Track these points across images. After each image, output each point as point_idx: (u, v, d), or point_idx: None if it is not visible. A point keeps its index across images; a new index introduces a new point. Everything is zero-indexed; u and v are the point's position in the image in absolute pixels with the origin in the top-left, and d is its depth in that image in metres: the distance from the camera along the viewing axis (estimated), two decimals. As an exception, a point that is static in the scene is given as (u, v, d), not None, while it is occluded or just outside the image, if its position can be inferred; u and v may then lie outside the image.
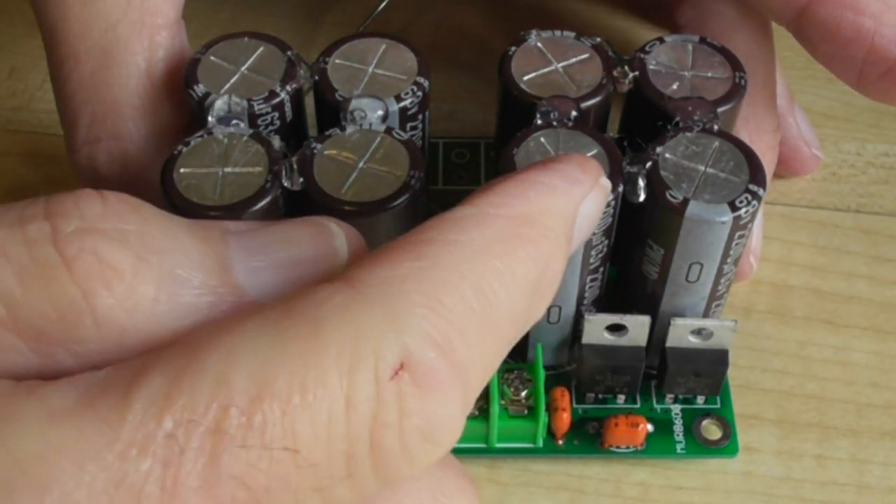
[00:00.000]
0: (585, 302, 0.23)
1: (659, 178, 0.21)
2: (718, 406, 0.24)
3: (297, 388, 0.13)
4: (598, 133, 0.22)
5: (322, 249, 0.16)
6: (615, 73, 0.23)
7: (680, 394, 0.24)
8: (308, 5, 0.34)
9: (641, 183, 0.21)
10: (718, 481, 0.24)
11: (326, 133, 0.22)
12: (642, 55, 0.23)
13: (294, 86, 0.23)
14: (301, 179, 0.21)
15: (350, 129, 0.22)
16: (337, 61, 0.23)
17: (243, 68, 0.23)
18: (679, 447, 0.24)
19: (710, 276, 0.22)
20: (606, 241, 0.22)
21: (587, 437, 0.24)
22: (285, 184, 0.21)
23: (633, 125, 0.24)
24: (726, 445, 0.24)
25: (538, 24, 0.24)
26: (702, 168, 0.21)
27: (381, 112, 0.22)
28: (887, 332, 0.26)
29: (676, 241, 0.21)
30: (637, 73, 0.23)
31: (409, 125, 0.23)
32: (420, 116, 0.23)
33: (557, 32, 0.24)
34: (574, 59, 0.23)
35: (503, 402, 0.23)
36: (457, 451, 0.23)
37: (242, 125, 0.22)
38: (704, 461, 0.24)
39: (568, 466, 0.24)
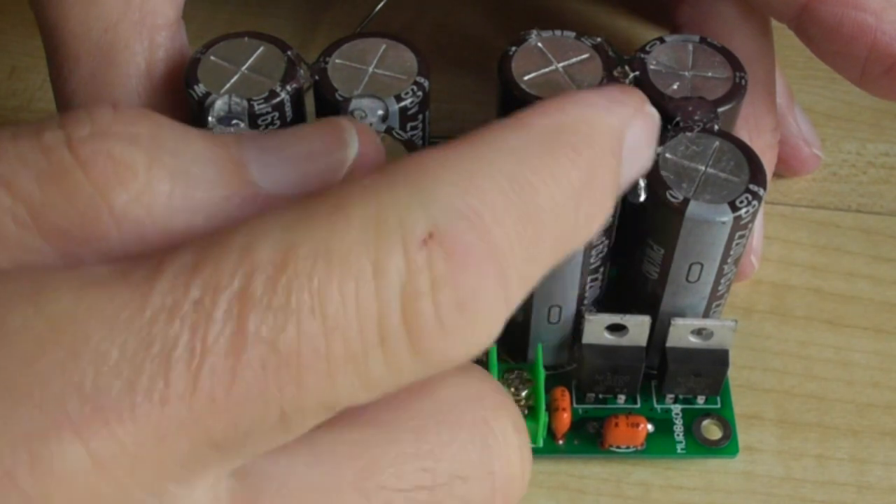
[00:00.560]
0: (586, 302, 0.23)
1: (659, 177, 0.21)
2: (719, 406, 0.24)
3: (322, 254, 0.13)
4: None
5: (334, 142, 0.16)
6: (615, 73, 0.23)
7: (680, 394, 0.24)
8: (307, 5, 0.34)
9: (642, 183, 0.21)
10: (719, 481, 0.24)
11: (327, 133, 0.22)
12: (643, 55, 0.23)
13: (294, 85, 0.23)
14: (301, 179, 0.21)
15: (350, 128, 0.22)
16: (337, 61, 0.23)
17: (243, 68, 0.23)
18: (679, 447, 0.24)
19: (710, 276, 0.22)
20: (607, 241, 0.22)
21: (587, 437, 0.24)
22: (285, 184, 0.21)
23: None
24: (726, 445, 0.24)
25: (538, 24, 0.24)
26: (702, 168, 0.21)
27: (381, 112, 0.22)
28: (888, 332, 0.26)
29: (677, 241, 0.21)
30: (637, 72, 0.23)
31: (409, 125, 0.23)
32: (420, 116, 0.23)
33: (558, 32, 0.24)
34: (574, 59, 0.23)
35: (503, 402, 0.23)
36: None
37: (243, 125, 0.22)
38: (705, 461, 0.24)
39: (568, 466, 0.24)
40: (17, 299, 0.13)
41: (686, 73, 0.23)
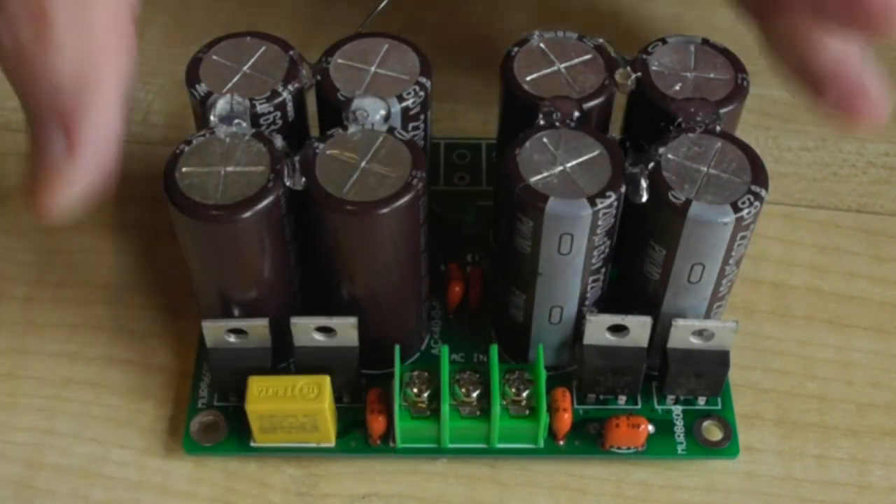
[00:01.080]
0: (587, 302, 0.23)
1: (661, 178, 0.21)
2: (719, 407, 0.24)
3: None
4: (601, 134, 0.22)
5: None
6: (617, 74, 0.23)
7: (681, 395, 0.24)
8: (309, 4, 0.34)
9: (644, 184, 0.21)
10: (719, 481, 0.24)
11: (328, 133, 0.22)
12: (645, 56, 0.23)
13: (296, 85, 0.23)
14: (303, 179, 0.21)
15: (352, 128, 0.22)
16: (339, 61, 0.23)
17: (245, 67, 0.23)
18: (680, 448, 0.24)
19: (711, 276, 0.22)
20: (609, 242, 0.22)
21: (588, 438, 0.24)
22: (287, 183, 0.21)
23: (636, 126, 0.24)
24: (727, 447, 0.24)
25: (540, 25, 0.24)
26: (704, 169, 0.21)
27: (383, 112, 0.22)
28: (888, 332, 0.26)
29: (678, 241, 0.21)
30: (639, 73, 0.23)
31: (410, 125, 0.23)
32: (422, 116, 0.23)
33: (560, 33, 0.24)
34: (576, 60, 0.23)
35: (504, 403, 0.23)
36: (458, 451, 0.24)
37: (244, 124, 0.22)
38: (705, 461, 0.24)
39: (569, 466, 0.24)
40: None
41: (688, 74, 0.23)
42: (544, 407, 0.23)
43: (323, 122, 0.24)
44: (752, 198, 0.21)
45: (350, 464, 0.24)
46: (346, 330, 0.23)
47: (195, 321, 0.25)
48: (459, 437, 0.23)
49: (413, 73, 0.23)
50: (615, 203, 0.21)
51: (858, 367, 0.26)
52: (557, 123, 0.22)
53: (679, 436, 0.24)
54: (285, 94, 0.23)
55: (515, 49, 0.23)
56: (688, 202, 0.21)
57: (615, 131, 0.25)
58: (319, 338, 0.23)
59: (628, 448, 0.24)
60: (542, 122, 0.22)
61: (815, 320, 0.27)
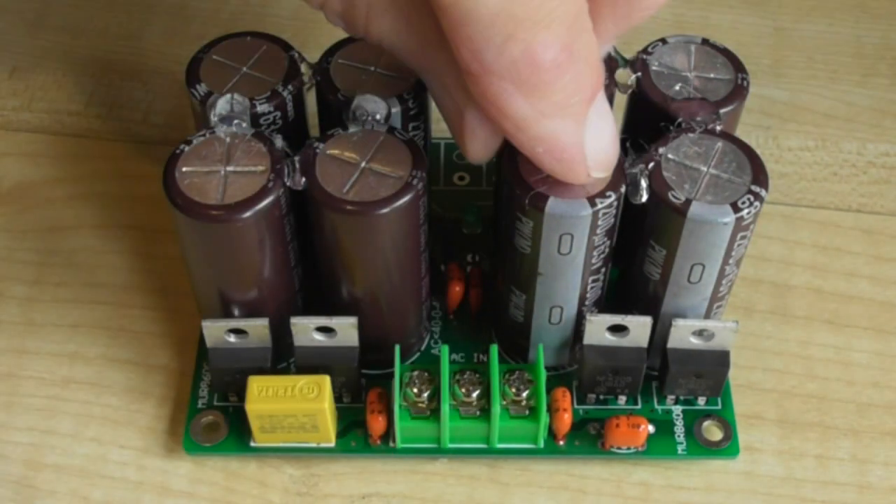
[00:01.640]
0: (587, 303, 0.23)
1: (661, 178, 0.21)
2: (719, 407, 0.24)
3: None
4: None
5: None
6: (617, 74, 0.23)
7: (681, 395, 0.24)
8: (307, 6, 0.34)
9: (644, 184, 0.21)
10: (720, 481, 0.24)
11: (329, 132, 0.22)
12: (644, 56, 0.23)
13: (296, 85, 0.23)
14: (303, 179, 0.21)
15: (352, 128, 0.22)
16: (339, 61, 0.23)
17: (245, 67, 0.23)
18: (680, 448, 0.24)
19: (712, 276, 0.22)
20: (609, 242, 0.22)
21: (588, 438, 0.24)
22: (287, 183, 0.21)
23: (636, 126, 0.24)
24: (727, 447, 0.24)
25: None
26: (704, 169, 0.21)
27: (383, 112, 0.22)
28: (888, 332, 0.26)
29: (679, 242, 0.21)
30: (640, 73, 0.23)
31: (411, 125, 0.23)
32: (422, 117, 0.23)
33: (560, 33, 0.24)
34: (576, 60, 0.23)
35: (504, 403, 0.23)
36: (458, 451, 0.24)
37: (244, 124, 0.22)
38: (706, 461, 0.24)
39: (569, 466, 0.24)
40: None
41: (688, 74, 0.23)
42: (544, 407, 0.23)
43: (323, 122, 0.24)
44: (752, 198, 0.21)
45: (350, 464, 0.24)
46: (347, 330, 0.23)
47: (195, 321, 0.25)
48: (459, 437, 0.23)
49: (413, 73, 0.23)
50: (615, 203, 0.21)
51: (859, 367, 0.26)
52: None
53: (679, 436, 0.24)
54: (285, 94, 0.23)
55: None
56: (688, 202, 0.21)
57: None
58: (319, 338, 0.23)
59: (628, 448, 0.24)
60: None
61: (815, 320, 0.27)
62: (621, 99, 0.24)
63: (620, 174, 0.21)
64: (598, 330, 0.23)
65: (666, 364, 0.23)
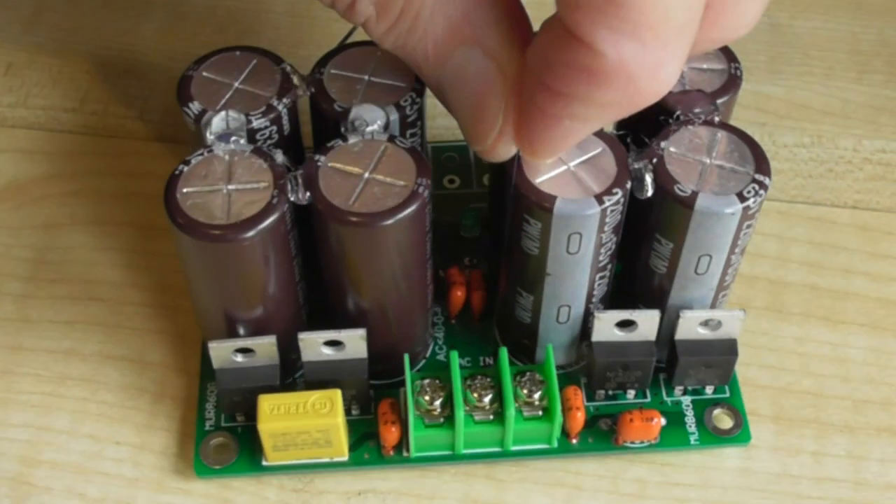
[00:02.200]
0: (594, 299, 0.23)
1: (666, 172, 0.21)
2: (727, 395, 0.25)
3: None
4: (600, 131, 0.22)
5: None
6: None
7: (690, 385, 0.24)
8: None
9: (649, 178, 0.21)
10: (715, 477, 0.24)
11: (329, 144, 0.21)
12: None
13: (291, 98, 0.23)
14: (307, 193, 0.21)
15: (352, 139, 0.21)
16: (332, 71, 0.23)
17: (237, 83, 0.23)
18: (693, 438, 0.24)
19: (718, 267, 0.22)
20: (615, 238, 0.22)
21: (601, 435, 0.24)
22: (291, 198, 0.21)
23: (634, 121, 0.24)
24: (739, 434, 0.24)
25: (536, 23, 0.24)
26: (708, 161, 0.21)
27: (382, 121, 0.22)
28: (884, 329, 0.27)
29: (686, 234, 0.21)
30: (633, 68, 0.23)
31: (409, 132, 0.23)
32: (419, 122, 0.23)
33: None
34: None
35: (518, 405, 0.23)
36: (472, 457, 0.23)
37: (242, 141, 0.22)
38: (701, 457, 0.24)
39: (565, 463, 0.24)
40: None
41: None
42: (558, 407, 0.23)
43: (318, 134, 0.23)
44: (756, 187, 0.21)
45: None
46: (355, 342, 0.23)
47: (190, 318, 0.25)
48: (474, 442, 0.23)
49: (408, 80, 0.23)
50: (622, 200, 0.21)
51: (855, 364, 0.26)
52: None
53: (691, 426, 0.24)
54: (280, 108, 0.22)
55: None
56: (694, 194, 0.21)
57: (611, 127, 0.25)
58: (328, 352, 0.23)
59: (642, 442, 0.24)
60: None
61: (811, 317, 0.27)
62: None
63: (625, 170, 0.21)
64: (606, 327, 0.23)
65: (675, 356, 0.24)
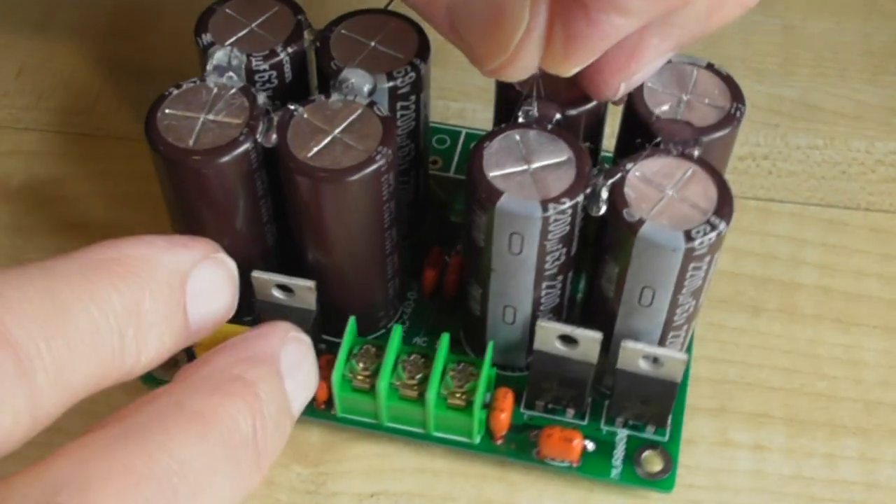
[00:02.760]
0: (542, 308, 0.23)
1: (621, 193, 0.21)
2: (667, 439, 0.24)
3: None
4: (574, 140, 0.21)
5: None
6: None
7: (628, 418, 0.24)
8: None
9: (604, 196, 0.21)
10: (728, 480, 0.24)
11: (310, 98, 0.22)
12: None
13: (295, 48, 0.23)
14: (274, 137, 0.22)
15: (334, 97, 0.22)
16: (342, 31, 0.24)
17: (254, 24, 0.24)
18: (614, 472, 0.23)
19: (663, 303, 0.21)
20: (564, 250, 0.22)
21: (525, 444, 0.24)
22: (258, 139, 0.22)
23: (625, 140, 0.23)
24: (663, 479, 0.23)
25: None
26: (669, 192, 0.21)
27: (369, 86, 0.22)
28: (897, 331, 0.26)
29: (629, 260, 0.21)
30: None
31: (399, 104, 0.23)
32: (412, 98, 0.23)
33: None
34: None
35: (444, 393, 0.23)
36: (397, 432, 0.24)
37: (236, 78, 0.23)
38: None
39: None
40: None
41: (683, 96, 0.22)
42: (480, 402, 0.23)
43: (321, 89, 0.24)
44: (708, 228, 0.20)
45: (358, 462, 0.24)
46: (303, 292, 0.23)
47: None
48: (397, 417, 0.24)
49: (409, 54, 0.23)
50: (570, 210, 0.21)
51: (867, 366, 0.26)
52: (534, 124, 0.22)
53: (616, 460, 0.23)
54: (283, 56, 0.23)
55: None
56: (641, 222, 0.20)
57: (610, 144, 0.25)
58: (279, 295, 0.24)
59: (562, 461, 0.23)
60: (520, 120, 0.22)
61: (823, 319, 0.26)
62: (616, 112, 0.23)
63: (582, 183, 0.21)
64: (548, 337, 0.23)
65: (613, 384, 0.23)
